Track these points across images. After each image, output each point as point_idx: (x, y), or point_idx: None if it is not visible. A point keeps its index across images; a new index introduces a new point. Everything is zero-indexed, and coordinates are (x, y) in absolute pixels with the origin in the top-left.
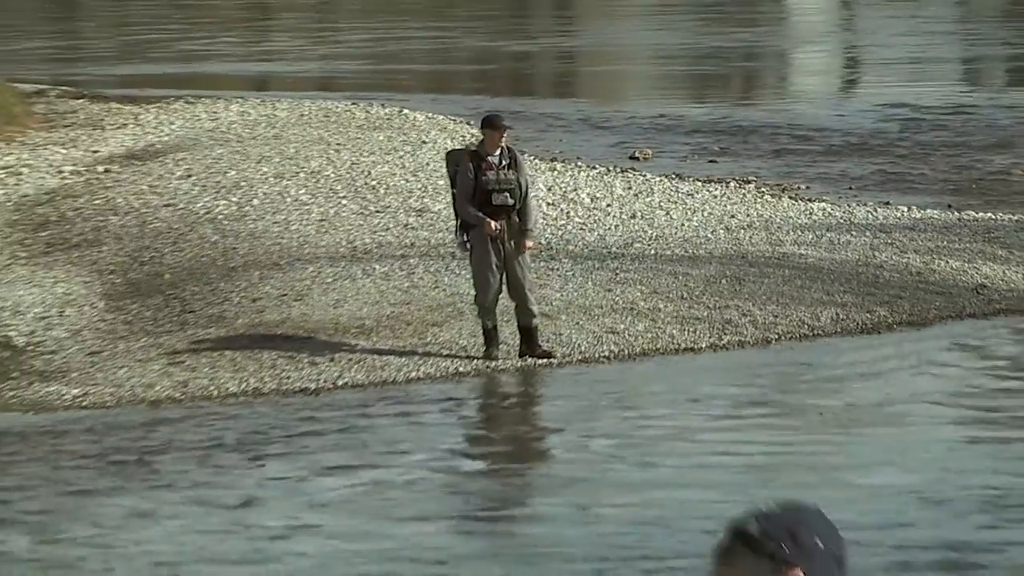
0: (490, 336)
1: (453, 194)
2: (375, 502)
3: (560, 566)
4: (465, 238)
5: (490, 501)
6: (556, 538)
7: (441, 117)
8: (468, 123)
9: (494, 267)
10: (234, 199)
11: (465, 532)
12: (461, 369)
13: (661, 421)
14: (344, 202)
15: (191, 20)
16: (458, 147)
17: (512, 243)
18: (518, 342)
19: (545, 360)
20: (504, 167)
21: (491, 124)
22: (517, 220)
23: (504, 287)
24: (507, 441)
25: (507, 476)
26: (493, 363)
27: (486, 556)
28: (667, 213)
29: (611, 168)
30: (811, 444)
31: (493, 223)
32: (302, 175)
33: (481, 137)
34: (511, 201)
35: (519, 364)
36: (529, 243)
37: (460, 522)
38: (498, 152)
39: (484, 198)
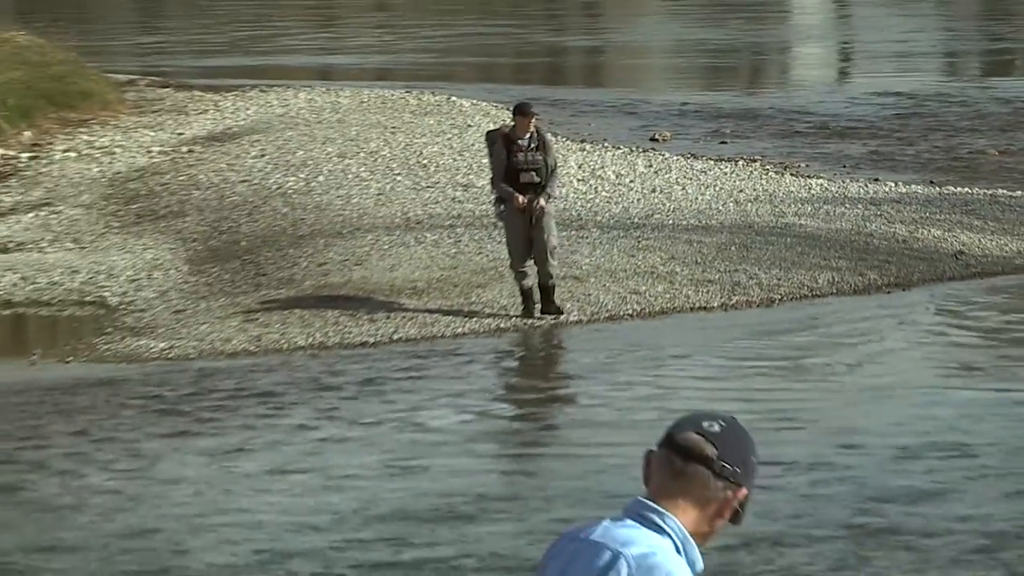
0: (526, 296)
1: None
2: (424, 442)
3: (593, 499)
4: (501, 209)
5: (526, 440)
6: (584, 474)
7: (485, 104)
8: (508, 109)
9: (523, 236)
10: (302, 176)
11: (503, 471)
12: (502, 325)
13: (677, 371)
14: (399, 178)
15: (264, 19)
16: (494, 127)
17: (536, 212)
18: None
19: (554, 316)
20: (532, 149)
21: (521, 111)
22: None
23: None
24: (540, 388)
25: (541, 419)
26: (530, 320)
27: (524, 491)
28: (683, 188)
29: (634, 148)
30: (804, 392)
31: (521, 197)
32: (362, 155)
33: (513, 123)
34: (537, 179)
35: (553, 320)
36: (543, 201)
37: (498, 460)
38: (528, 136)
39: (514, 176)
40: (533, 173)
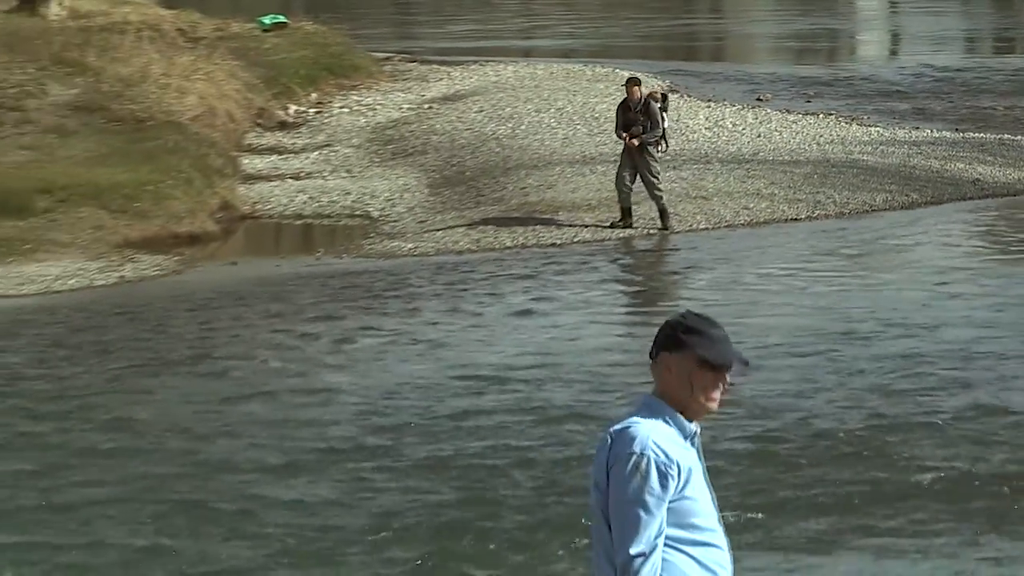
0: (624, 210)
1: None
2: (594, 309)
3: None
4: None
5: (670, 303)
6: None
7: (639, 74)
8: (655, 77)
9: (628, 165)
10: (509, 125)
11: (628, 334)
12: (651, 231)
13: (769, 264)
14: (578, 127)
15: (484, 11)
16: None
17: (635, 149)
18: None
19: (667, 230)
20: (637, 111)
21: (629, 83)
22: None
23: (639, 182)
24: (681, 271)
25: (682, 286)
26: (633, 230)
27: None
28: (780, 133)
29: (744, 106)
30: (859, 279)
31: (627, 136)
32: (552, 110)
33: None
34: (640, 131)
35: (680, 229)
36: (635, 140)
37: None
38: (636, 101)
39: (625, 128)
40: (638, 126)
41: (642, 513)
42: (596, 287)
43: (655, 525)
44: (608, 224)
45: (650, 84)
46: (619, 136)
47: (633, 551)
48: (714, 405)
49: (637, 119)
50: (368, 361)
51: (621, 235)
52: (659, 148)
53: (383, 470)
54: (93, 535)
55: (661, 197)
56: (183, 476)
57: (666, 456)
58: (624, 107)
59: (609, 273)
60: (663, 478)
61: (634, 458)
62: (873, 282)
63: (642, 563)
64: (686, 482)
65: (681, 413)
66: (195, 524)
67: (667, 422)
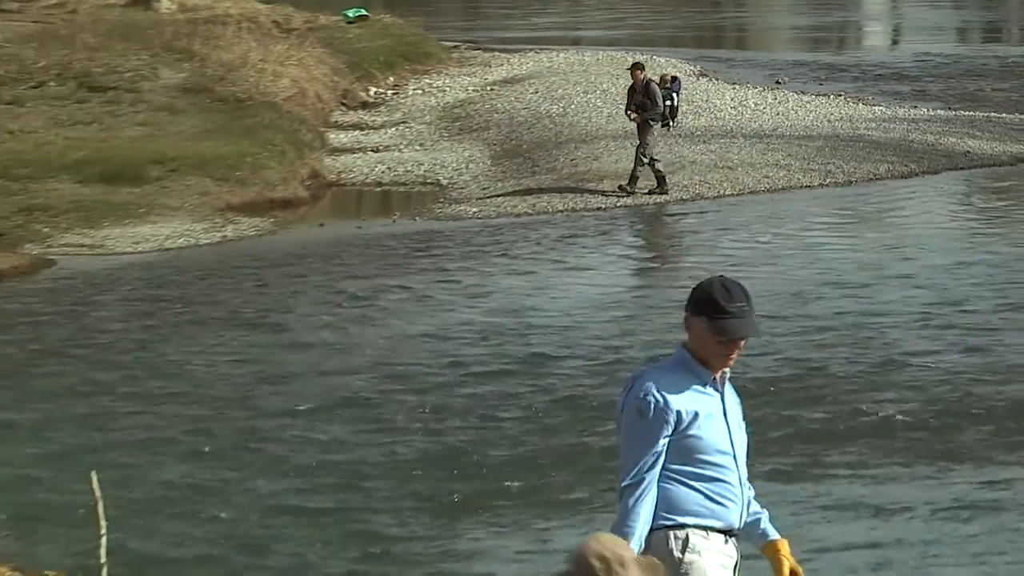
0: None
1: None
2: (625, 256)
3: None
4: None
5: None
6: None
7: (674, 60)
8: (688, 63)
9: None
10: (561, 105)
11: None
12: (683, 196)
13: (787, 224)
14: (620, 106)
15: (532, 5)
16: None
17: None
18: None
19: (625, 194)
20: (640, 93)
21: (632, 68)
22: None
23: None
24: (707, 227)
25: (708, 250)
26: (665, 196)
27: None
28: (796, 112)
29: (765, 88)
30: (860, 237)
31: (631, 114)
32: (598, 91)
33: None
34: (642, 110)
35: (709, 195)
36: (634, 115)
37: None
38: (640, 83)
39: (631, 106)
40: (636, 106)
41: (634, 450)
42: (632, 246)
43: (645, 461)
44: (646, 191)
45: (682, 69)
46: (626, 114)
47: (623, 483)
48: (728, 365)
49: (637, 100)
50: (436, 307)
51: (657, 200)
52: (662, 124)
53: (457, 396)
54: (131, 471)
55: (639, 166)
56: (224, 419)
57: (665, 402)
58: (631, 89)
59: (643, 233)
60: (658, 422)
61: (636, 402)
62: (871, 239)
63: (630, 493)
64: (690, 423)
65: (703, 364)
66: (239, 461)
67: (686, 370)
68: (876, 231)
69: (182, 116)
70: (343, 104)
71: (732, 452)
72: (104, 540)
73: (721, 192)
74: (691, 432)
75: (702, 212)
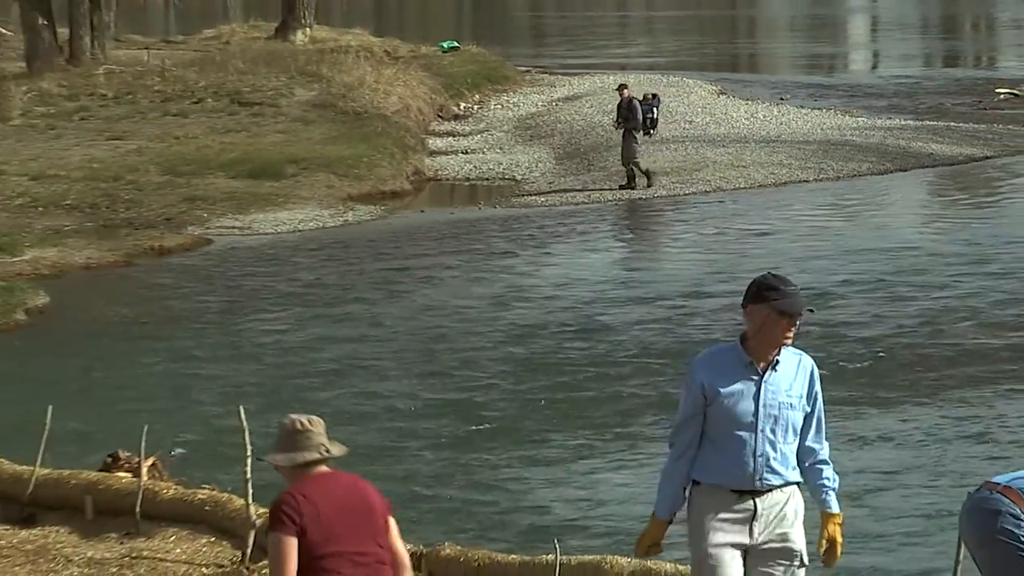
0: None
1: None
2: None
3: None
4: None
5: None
6: (715, 264)
7: (701, 82)
8: (710, 83)
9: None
10: (610, 117)
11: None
12: (705, 189)
13: (789, 210)
14: (657, 117)
15: (587, 35)
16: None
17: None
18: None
19: (631, 189)
20: (624, 108)
21: (619, 87)
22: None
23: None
24: (726, 214)
25: (727, 234)
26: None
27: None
28: (796, 122)
29: (771, 102)
30: (842, 219)
31: (616, 126)
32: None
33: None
34: (624, 122)
35: (728, 188)
36: (617, 128)
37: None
38: (624, 99)
39: (618, 119)
40: (622, 119)
41: (677, 414)
42: (669, 228)
43: (685, 424)
44: (646, 185)
45: (705, 88)
46: (614, 126)
47: (670, 440)
48: (788, 341)
49: (625, 113)
50: (500, 271)
51: (688, 191)
52: (644, 133)
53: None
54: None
55: (626, 167)
56: (288, 384)
57: (698, 378)
58: (619, 105)
59: (675, 217)
60: (692, 394)
61: (685, 376)
62: (857, 222)
63: (672, 449)
64: (717, 398)
65: (748, 351)
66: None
67: (733, 353)
68: (859, 216)
69: (312, 126)
70: (439, 116)
71: (755, 427)
72: (249, 461)
73: (736, 185)
74: (716, 406)
75: (720, 201)
